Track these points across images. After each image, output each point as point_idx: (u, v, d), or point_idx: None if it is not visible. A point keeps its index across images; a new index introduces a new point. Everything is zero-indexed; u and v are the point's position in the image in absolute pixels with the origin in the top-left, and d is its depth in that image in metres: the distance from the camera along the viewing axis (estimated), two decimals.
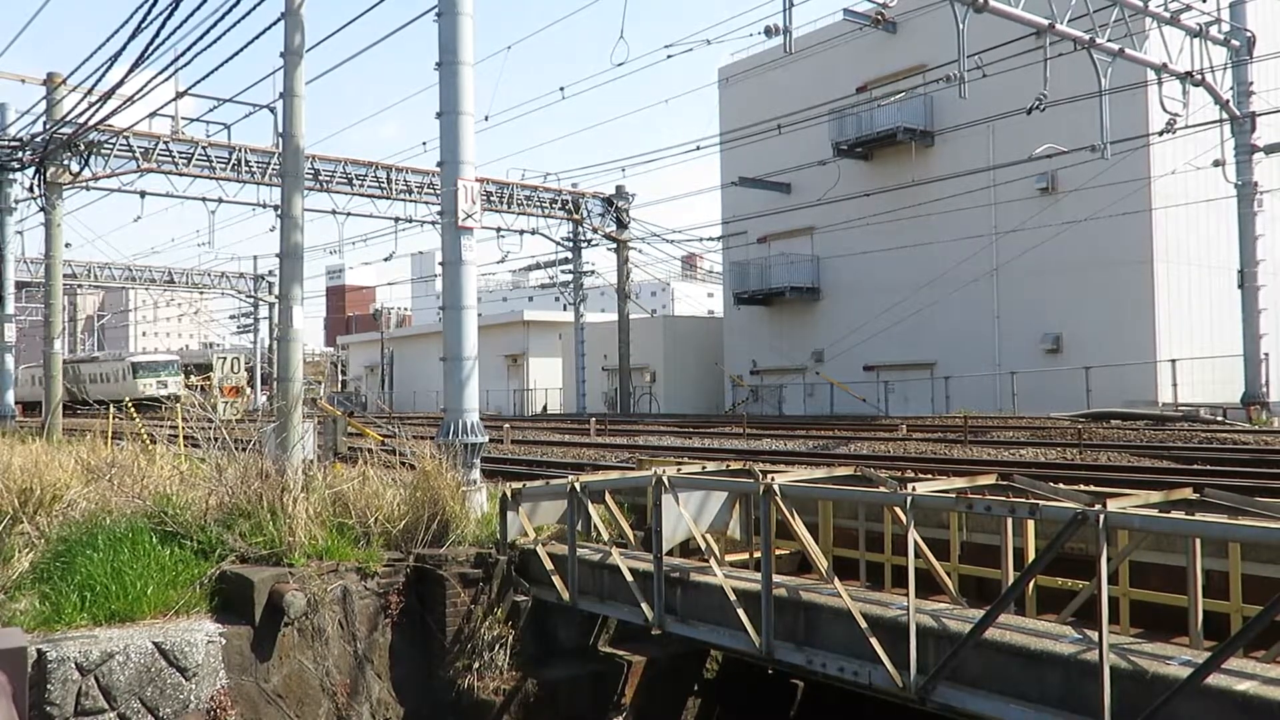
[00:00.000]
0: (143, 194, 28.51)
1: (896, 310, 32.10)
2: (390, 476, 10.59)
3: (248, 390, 32.96)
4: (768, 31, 19.47)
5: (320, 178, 30.40)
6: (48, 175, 24.19)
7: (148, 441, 13.64)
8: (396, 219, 33.42)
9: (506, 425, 23.28)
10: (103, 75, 16.54)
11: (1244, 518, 6.15)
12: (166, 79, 16.19)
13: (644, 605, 8.45)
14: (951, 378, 30.47)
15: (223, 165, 28.39)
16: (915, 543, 6.76)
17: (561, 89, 31.55)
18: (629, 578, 8.58)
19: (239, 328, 70.13)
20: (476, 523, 10.26)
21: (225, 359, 14.50)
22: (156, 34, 13.33)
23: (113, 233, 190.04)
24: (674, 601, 8.40)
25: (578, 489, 9.25)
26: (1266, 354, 23.17)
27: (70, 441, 16.67)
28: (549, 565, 9.46)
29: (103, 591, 8.36)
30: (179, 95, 22.46)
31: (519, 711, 9.18)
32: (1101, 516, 5.60)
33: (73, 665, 7.56)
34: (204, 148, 27.80)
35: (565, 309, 43.25)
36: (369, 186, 31.67)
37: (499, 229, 35.77)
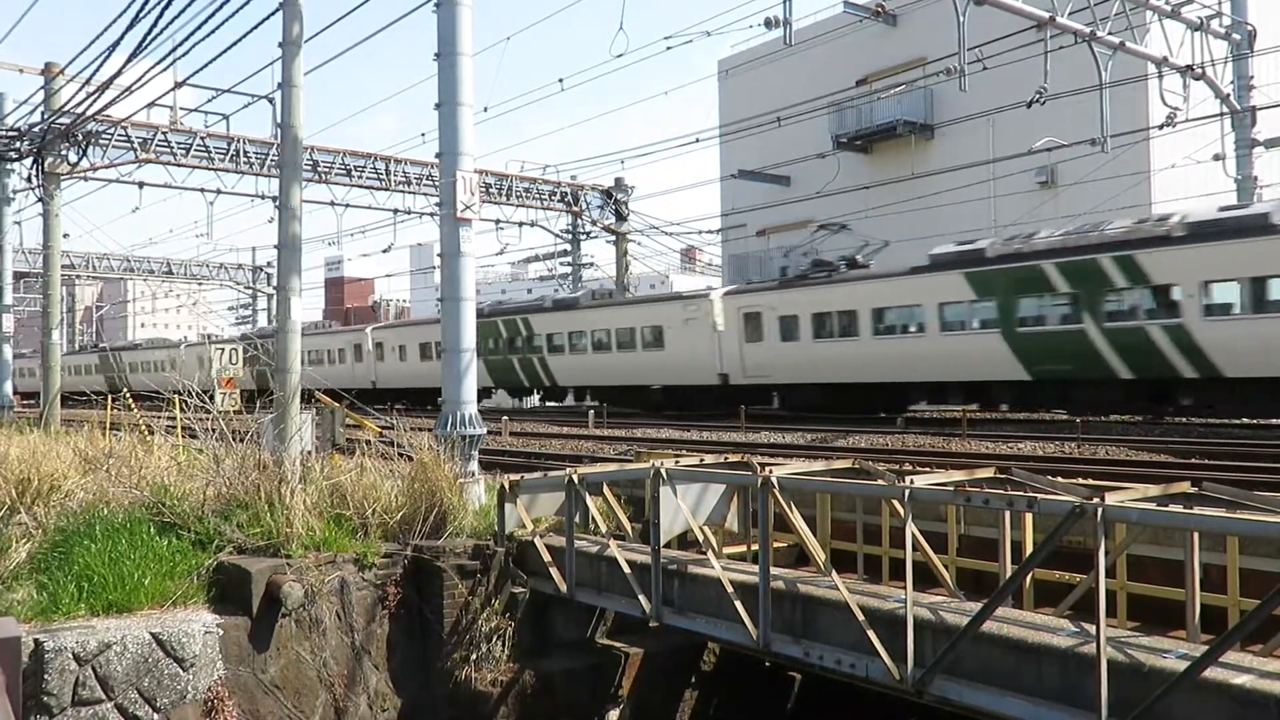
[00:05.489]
0: (141, 185, 28.43)
1: None
2: (388, 468, 10.59)
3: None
4: (768, 24, 19.46)
5: (319, 169, 30.34)
6: (46, 165, 24.13)
7: (145, 432, 13.62)
8: (395, 210, 33.36)
9: (505, 417, 23.26)
10: (100, 65, 16.57)
11: (1242, 512, 6.14)
12: (164, 69, 16.11)
13: (641, 597, 8.45)
14: None
15: (221, 156, 28.30)
16: (913, 536, 6.76)
17: (560, 80, 31.51)
18: (627, 570, 8.58)
19: (237, 319, 69.95)
20: (474, 515, 10.26)
21: (224, 348, 14.48)
22: (154, 24, 13.31)
23: (111, 223, 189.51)
24: (671, 594, 8.40)
25: (575, 481, 9.24)
26: None
27: (68, 432, 16.66)
28: (547, 557, 9.46)
29: (100, 582, 8.36)
30: (177, 86, 22.39)
31: (516, 703, 9.19)
32: (1099, 510, 5.60)
33: (70, 655, 7.56)
34: (202, 138, 27.70)
35: None
36: (367, 178, 31.59)
37: (498, 221, 35.74)
